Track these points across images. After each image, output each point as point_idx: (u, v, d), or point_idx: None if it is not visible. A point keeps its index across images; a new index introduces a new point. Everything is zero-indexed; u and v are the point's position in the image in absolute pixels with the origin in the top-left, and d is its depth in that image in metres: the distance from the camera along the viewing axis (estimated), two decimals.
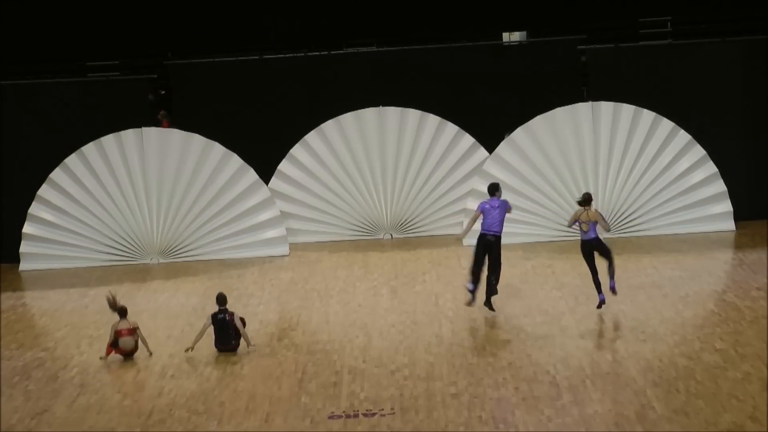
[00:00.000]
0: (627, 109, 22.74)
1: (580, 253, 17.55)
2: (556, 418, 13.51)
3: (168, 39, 28.23)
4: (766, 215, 23.29)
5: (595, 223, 17.31)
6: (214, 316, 16.65)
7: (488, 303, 17.60)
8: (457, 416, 13.71)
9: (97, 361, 16.69)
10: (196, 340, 16.62)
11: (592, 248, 17.40)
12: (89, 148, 22.91)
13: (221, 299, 16.77)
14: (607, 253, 17.42)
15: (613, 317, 17.35)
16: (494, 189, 17.72)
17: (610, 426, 13.17)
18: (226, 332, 16.60)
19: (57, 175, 22.91)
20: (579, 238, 17.56)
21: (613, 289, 17.48)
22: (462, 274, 20.51)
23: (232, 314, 16.68)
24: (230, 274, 21.64)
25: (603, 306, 17.38)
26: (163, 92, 27.16)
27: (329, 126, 23.62)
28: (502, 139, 23.05)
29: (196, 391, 15.19)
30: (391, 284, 20.19)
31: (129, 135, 22.95)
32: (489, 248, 17.50)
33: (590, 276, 17.48)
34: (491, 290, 17.60)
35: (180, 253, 22.97)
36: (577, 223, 17.50)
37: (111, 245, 22.95)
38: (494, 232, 17.46)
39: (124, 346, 16.70)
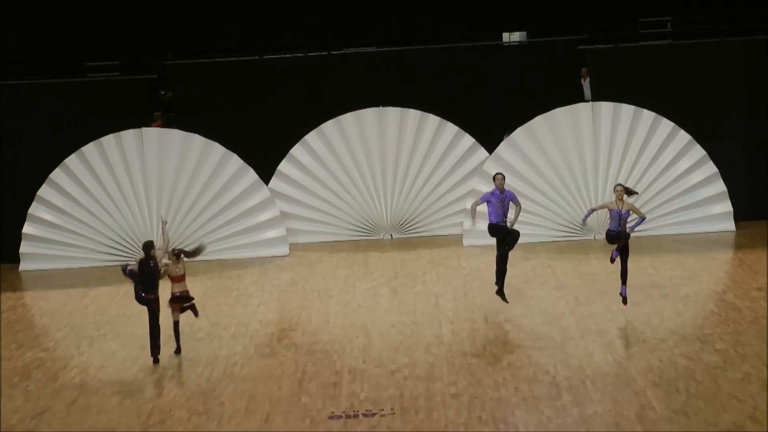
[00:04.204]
0: (627, 109, 22.73)
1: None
2: (556, 418, 13.51)
3: (168, 39, 28.23)
4: (766, 215, 23.28)
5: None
6: (141, 264, 16.34)
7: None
8: (457, 416, 13.71)
9: (97, 361, 16.68)
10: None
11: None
12: (89, 148, 22.90)
13: (148, 246, 16.46)
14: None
15: (613, 317, 17.34)
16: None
17: (610, 426, 13.17)
18: (152, 279, 16.35)
19: (57, 175, 22.90)
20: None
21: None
22: (462, 274, 20.53)
23: (156, 261, 16.46)
24: (230, 274, 21.62)
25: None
26: (162, 92, 27.15)
27: (329, 126, 23.60)
28: (502, 139, 23.05)
29: (196, 391, 15.18)
30: (391, 284, 20.17)
31: (129, 135, 22.94)
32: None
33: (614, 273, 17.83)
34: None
35: None
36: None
37: (111, 245, 22.94)
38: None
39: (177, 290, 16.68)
